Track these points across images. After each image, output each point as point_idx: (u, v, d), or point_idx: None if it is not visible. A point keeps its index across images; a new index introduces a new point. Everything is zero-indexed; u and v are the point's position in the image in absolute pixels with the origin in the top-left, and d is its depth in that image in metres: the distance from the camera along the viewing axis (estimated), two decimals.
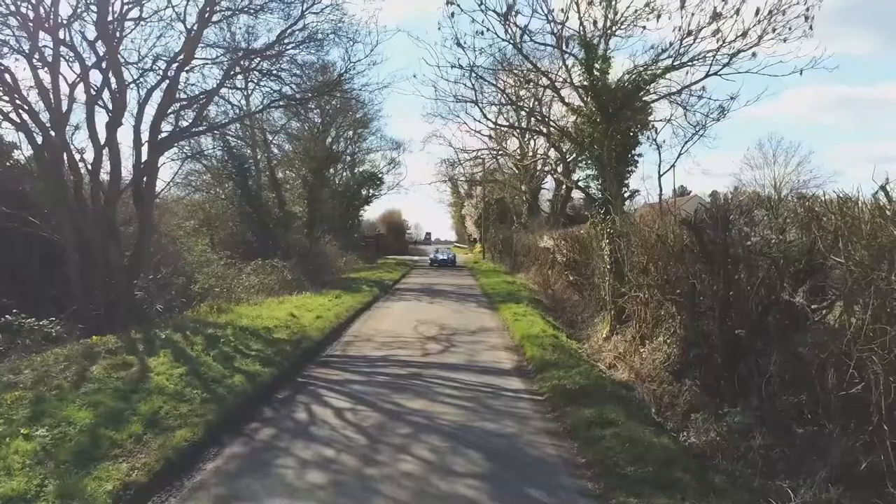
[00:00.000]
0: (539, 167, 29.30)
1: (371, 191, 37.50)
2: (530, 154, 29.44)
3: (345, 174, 31.49)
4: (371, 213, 53.30)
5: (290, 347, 8.72)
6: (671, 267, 7.86)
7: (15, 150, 12.45)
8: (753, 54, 10.53)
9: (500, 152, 31.15)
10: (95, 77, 10.85)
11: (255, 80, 12.79)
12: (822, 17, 11.37)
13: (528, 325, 10.95)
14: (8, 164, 12.08)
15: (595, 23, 11.31)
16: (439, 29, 15.55)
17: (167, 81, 11.34)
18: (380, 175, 35.95)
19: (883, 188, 4.34)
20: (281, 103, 13.66)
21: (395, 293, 19.26)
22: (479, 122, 27.88)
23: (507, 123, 24.76)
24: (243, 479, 4.40)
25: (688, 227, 6.99)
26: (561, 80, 12.50)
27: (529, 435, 5.47)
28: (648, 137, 12.96)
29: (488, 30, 11.77)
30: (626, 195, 12.09)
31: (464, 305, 15.87)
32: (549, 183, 33.98)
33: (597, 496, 4.20)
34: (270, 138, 21.23)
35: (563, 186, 28.74)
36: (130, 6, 10.77)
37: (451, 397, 6.68)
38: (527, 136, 28.59)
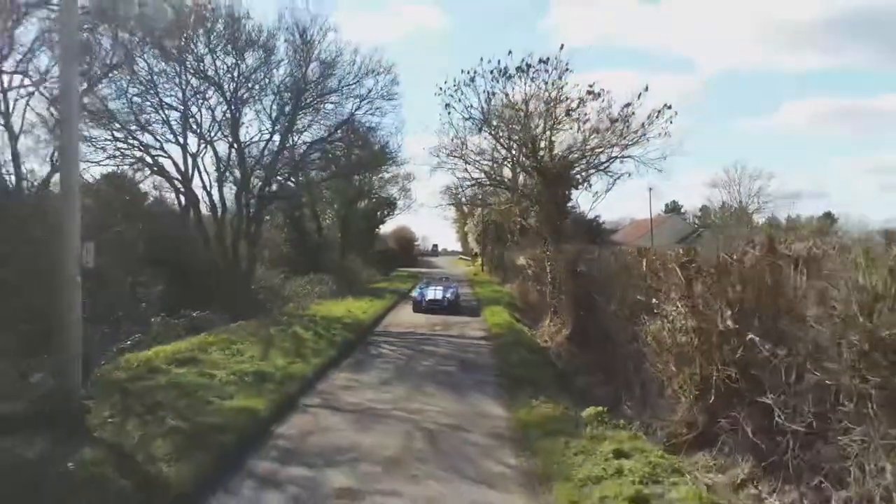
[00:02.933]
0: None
1: (386, 213, 44.11)
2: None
3: (366, 202, 37.99)
4: (384, 228, 59.94)
5: (355, 326, 15.20)
6: (570, 284, 14.33)
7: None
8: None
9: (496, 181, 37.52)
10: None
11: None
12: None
13: (498, 318, 17.38)
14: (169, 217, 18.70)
15: (537, 126, 17.83)
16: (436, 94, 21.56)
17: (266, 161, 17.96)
18: (394, 200, 42.49)
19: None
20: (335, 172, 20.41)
21: (410, 299, 25.74)
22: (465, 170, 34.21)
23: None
24: (357, 367, 10.84)
25: (566, 264, 13.48)
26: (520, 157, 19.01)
27: (482, 357, 11.90)
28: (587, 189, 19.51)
29: (472, 118, 18.29)
30: (561, 230, 18.50)
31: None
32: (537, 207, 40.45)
33: (500, 373, 10.57)
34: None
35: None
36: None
37: (447, 345, 13.18)
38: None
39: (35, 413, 6.22)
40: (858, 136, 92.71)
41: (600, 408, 7.39)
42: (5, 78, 12.79)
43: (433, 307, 19.51)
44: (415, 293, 22.26)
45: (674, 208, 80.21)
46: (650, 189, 50.67)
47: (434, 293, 20.50)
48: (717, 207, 69.48)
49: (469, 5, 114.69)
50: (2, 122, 12.97)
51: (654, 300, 7.48)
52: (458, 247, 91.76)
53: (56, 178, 11.66)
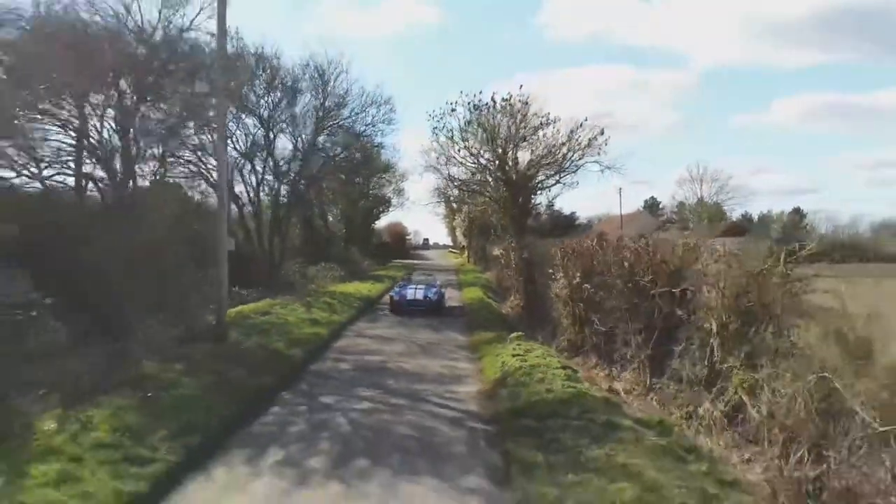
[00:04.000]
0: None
1: (382, 210, 49.22)
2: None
3: (364, 201, 43.06)
4: (379, 224, 64.93)
5: (365, 299, 20.34)
6: (521, 267, 19.57)
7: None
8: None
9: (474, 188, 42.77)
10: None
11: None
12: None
13: (472, 295, 22.60)
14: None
15: (504, 146, 23.08)
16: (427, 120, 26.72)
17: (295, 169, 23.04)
18: (389, 198, 47.59)
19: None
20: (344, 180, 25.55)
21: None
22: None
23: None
24: (371, 320, 16.06)
25: (520, 253, 18.75)
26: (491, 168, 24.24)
27: (455, 318, 17.13)
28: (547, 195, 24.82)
29: (452, 137, 23.48)
30: (523, 227, 23.76)
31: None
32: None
33: (466, 323, 15.76)
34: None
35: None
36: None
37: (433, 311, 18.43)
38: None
39: (204, 333, 11.33)
40: (852, 132, 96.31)
41: (521, 333, 12.61)
42: None
43: (414, 308, 17.38)
44: (393, 292, 19.30)
45: (652, 204, 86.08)
46: (620, 189, 56.19)
47: (415, 293, 18.18)
48: (695, 203, 75.18)
49: (463, 1, 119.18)
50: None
51: (552, 271, 12.76)
52: (448, 241, 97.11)
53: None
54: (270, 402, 7.86)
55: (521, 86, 23.17)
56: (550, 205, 39.92)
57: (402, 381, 9.18)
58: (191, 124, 14.53)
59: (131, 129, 12.67)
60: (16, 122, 9.86)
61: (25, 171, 11.32)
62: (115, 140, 12.60)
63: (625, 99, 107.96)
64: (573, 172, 22.64)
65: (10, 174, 10.99)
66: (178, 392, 7.30)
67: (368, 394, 8.37)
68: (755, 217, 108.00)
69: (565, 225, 53.44)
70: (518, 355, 10.03)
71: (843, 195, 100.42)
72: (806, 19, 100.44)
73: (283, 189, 23.38)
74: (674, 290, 8.32)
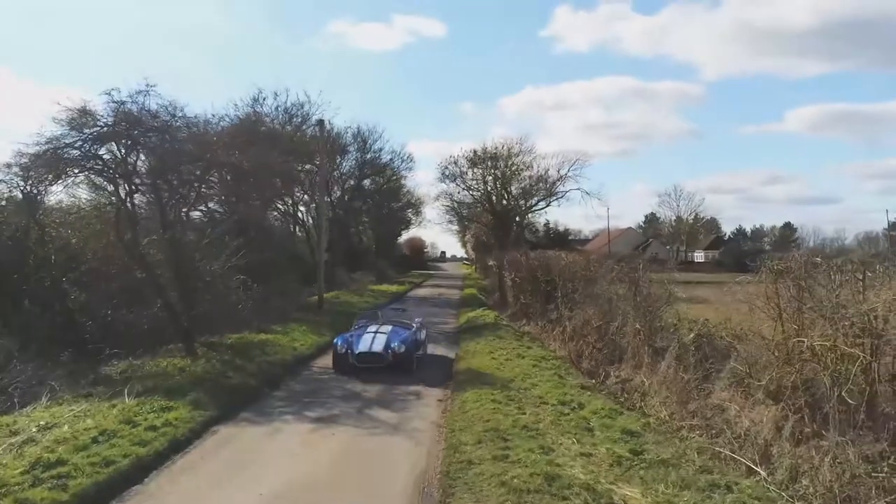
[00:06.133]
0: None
1: (403, 227, 58.94)
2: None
3: (389, 223, 52.87)
4: (400, 238, 74.76)
5: (395, 293, 29.81)
6: (500, 272, 28.92)
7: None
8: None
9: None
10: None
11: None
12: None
13: (469, 292, 31.91)
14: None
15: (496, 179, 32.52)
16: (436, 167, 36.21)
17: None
18: (409, 219, 57.32)
19: None
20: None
21: (421, 285, 40.54)
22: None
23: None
24: (400, 303, 25.42)
25: (500, 263, 28.08)
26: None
27: (453, 304, 26.48)
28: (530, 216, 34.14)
29: (454, 180, 32.95)
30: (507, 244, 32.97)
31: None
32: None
33: (459, 305, 25.05)
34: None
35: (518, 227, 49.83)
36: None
37: (438, 300, 27.78)
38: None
39: (307, 307, 20.77)
40: (863, 141, 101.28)
41: (486, 308, 21.84)
42: None
43: (368, 364, 10.92)
44: (339, 339, 11.96)
45: (651, 219, 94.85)
46: (608, 208, 65.30)
47: (372, 342, 11.31)
48: (689, 219, 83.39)
49: (468, 15, 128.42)
50: None
51: (505, 272, 22.07)
52: (462, 253, 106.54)
53: None
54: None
55: (501, 138, 31.66)
56: (546, 223, 49.46)
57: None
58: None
59: None
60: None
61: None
62: None
63: (632, 109, 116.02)
64: (560, 198, 31.92)
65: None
66: (322, 319, 16.80)
67: None
68: (748, 231, 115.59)
69: (560, 240, 62.46)
70: (478, 315, 19.35)
71: (858, 204, 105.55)
72: (813, 29, 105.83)
73: (336, 214, 33.04)
74: (549, 279, 17.60)
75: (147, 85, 11.58)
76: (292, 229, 31.61)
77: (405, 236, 69.27)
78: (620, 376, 11.83)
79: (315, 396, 8.88)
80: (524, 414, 7.65)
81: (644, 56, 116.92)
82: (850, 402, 6.47)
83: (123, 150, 12.34)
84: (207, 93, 71.61)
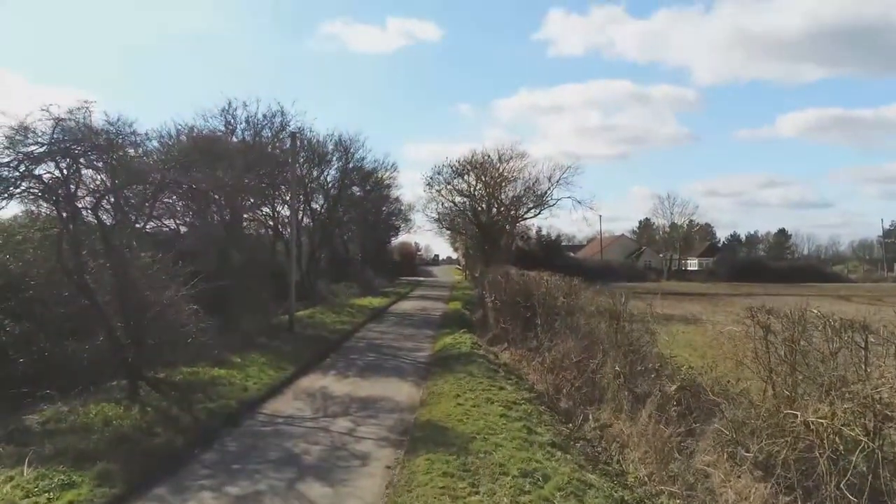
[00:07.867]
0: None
1: (392, 235, 57.87)
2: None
3: (376, 230, 51.79)
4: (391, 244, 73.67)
5: (375, 309, 28.78)
6: (483, 286, 27.94)
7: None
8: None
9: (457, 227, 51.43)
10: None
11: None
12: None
13: (452, 307, 30.91)
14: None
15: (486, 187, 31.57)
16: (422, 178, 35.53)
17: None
18: (398, 226, 56.26)
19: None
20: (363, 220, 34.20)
21: (407, 297, 39.51)
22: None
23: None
24: (378, 321, 24.42)
25: (482, 277, 27.08)
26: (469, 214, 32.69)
27: (434, 320, 25.49)
28: (515, 230, 33.20)
29: (440, 191, 32.00)
30: (491, 257, 32.06)
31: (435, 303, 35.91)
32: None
33: (439, 323, 24.09)
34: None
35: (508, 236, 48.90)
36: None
37: (420, 314, 26.76)
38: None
39: (276, 328, 19.73)
40: (860, 145, 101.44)
41: (465, 330, 20.84)
42: None
43: None
44: None
45: (646, 225, 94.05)
46: (600, 216, 64.50)
47: None
48: (683, 225, 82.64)
49: (462, 18, 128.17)
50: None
51: (486, 292, 21.07)
52: (455, 255, 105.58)
53: None
54: (326, 356, 16.25)
55: (488, 151, 30.76)
56: (539, 230, 48.56)
57: (390, 350, 17.54)
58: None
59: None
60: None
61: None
62: None
63: (629, 112, 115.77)
64: (551, 206, 31.05)
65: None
66: (285, 348, 15.76)
67: (372, 354, 16.74)
68: (743, 237, 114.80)
69: (553, 248, 61.59)
70: (454, 342, 18.38)
71: (855, 208, 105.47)
72: (806, 35, 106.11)
73: (318, 224, 31.99)
74: (528, 303, 16.62)
75: (85, 101, 10.67)
76: (272, 242, 30.58)
77: (397, 241, 68.24)
78: (600, 420, 10.95)
79: (245, 461, 7.76)
80: (477, 493, 6.67)
81: (638, 60, 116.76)
82: (850, 498, 5.56)
83: (64, 170, 11.40)
84: (202, 94, 70.48)
